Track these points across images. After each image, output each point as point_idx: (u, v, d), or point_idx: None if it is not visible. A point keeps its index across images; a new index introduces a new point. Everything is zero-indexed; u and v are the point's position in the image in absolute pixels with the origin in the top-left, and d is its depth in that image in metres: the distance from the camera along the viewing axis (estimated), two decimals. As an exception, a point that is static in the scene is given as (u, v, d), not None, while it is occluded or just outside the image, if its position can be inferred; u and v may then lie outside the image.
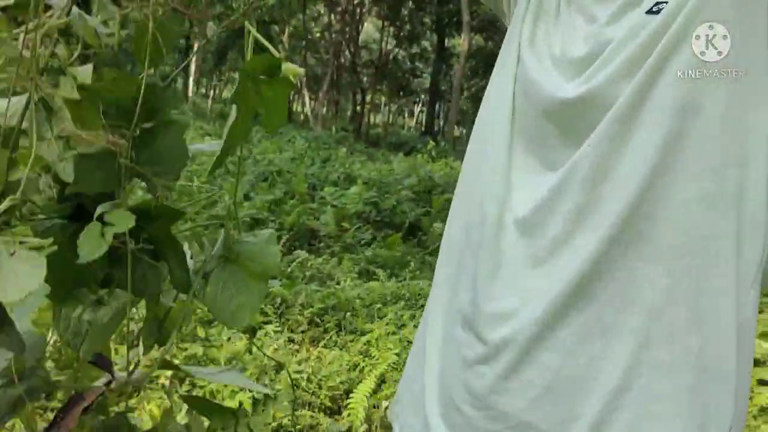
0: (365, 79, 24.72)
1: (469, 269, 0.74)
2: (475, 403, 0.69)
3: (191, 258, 0.60)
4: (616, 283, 0.62)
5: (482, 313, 0.71)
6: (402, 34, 22.67)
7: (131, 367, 0.56)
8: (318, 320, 3.89)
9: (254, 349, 3.30)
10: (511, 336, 0.67)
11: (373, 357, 3.37)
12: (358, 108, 22.83)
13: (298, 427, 2.76)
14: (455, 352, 0.72)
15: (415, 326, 3.93)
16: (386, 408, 2.90)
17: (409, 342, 3.63)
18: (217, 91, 25.25)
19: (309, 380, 3.09)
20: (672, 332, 0.62)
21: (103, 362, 0.58)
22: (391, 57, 24.40)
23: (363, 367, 3.27)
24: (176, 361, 1.74)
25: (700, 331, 0.62)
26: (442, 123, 30.27)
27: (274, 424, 2.73)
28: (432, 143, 14.42)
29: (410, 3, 20.47)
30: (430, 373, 0.76)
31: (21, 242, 0.42)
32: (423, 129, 25.87)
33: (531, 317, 0.66)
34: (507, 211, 0.71)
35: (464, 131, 28.70)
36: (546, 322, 0.65)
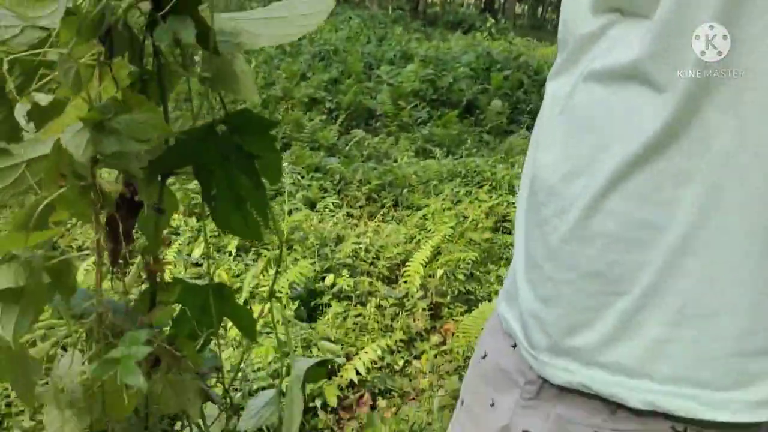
0: (422, -48, 23.52)
1: (548, 129, 0.76)
2: (550, 255, 0.72)
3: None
4: (692, 131, 0.62)
5: (560, 169, 0.72)
6: None
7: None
8: (375, 196, 3.98)
9: (315, 221, 3.43)
10: (584, 185, 0.68)
11: (429, 230, 3.46)
12: (415, -16, 21.90)
13: (357, 292, 2.91)
14: (536, 213, 0.75)
15: (471, 202, 3.99)
16: (441, 276, 3.02)
17: (465, 217, 3.70)
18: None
19: (367, 251, 3.22)
20: (743, 174, 0.61)
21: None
22: (449, -72, 23.04)
23: (419, 239, 3.37)
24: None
25: None
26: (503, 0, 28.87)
27: (335, 290, 2.89)
28: (491, 20, 13.86)
29: None
30: (518, 237, 0.80)
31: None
32: (482, 6, 24.78)
33: (607, 166, 0.66)
34: (585, 66, 0.71)
35: (526, 8, 27.35)
36: (621, 171, 0.65)
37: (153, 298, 0.56)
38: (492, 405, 0.81)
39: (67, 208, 0.49)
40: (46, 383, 0.54)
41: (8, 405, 2.02)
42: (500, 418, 0.79)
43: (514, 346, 0.80)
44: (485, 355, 0.86)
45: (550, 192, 0.72)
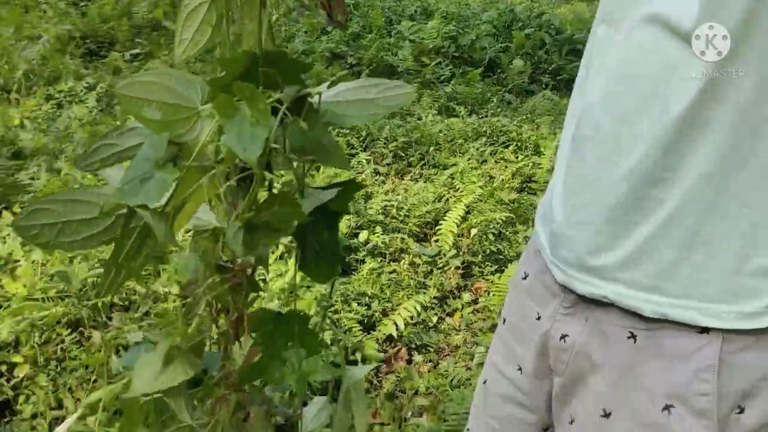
0: None
1: (598, 70, 0.82)
2: (588, 187, 0.81)
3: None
4: (718, 85, 0.69)
5: (606, 111, 0.79)
6: None
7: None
8: (402, 154, 3.98)
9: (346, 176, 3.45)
10: (627, 129, 0.76)
11: (458, 189, 3.48)
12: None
13: (390, 249, 2.95)
14: (579, 149, 0.83)
15: (496, 162, 4.00)
16: (474, 236, 3.05)
17: (491, 177, 3.71)
18: None
19: (398, 208, 3.25)
20: (758, 126, 0.69)
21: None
22: None
23: (448, 198, 3.40)
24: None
25: None
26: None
27: (369, 246, 2.93)
28: (508, -25, 13.59)
29: None
30: (560, 165, 0.87)
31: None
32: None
33: (649, 114, 0.74)
34: (641, 17, 0.74)
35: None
36: (661, 120, 0.73)
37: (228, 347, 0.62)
38: (538, 318, 0.90)
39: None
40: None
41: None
42: (542, 327, 0.89)
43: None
44: (526, 276, 0.95)
45: (596, 131, 0.80)
